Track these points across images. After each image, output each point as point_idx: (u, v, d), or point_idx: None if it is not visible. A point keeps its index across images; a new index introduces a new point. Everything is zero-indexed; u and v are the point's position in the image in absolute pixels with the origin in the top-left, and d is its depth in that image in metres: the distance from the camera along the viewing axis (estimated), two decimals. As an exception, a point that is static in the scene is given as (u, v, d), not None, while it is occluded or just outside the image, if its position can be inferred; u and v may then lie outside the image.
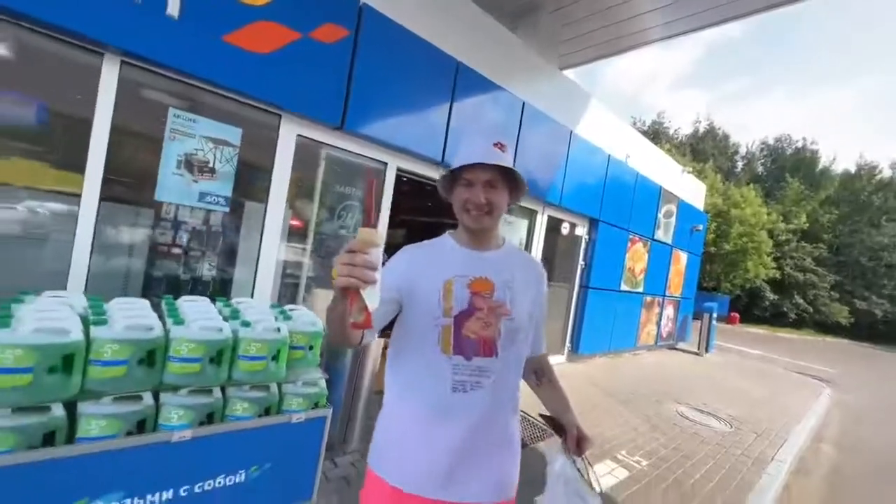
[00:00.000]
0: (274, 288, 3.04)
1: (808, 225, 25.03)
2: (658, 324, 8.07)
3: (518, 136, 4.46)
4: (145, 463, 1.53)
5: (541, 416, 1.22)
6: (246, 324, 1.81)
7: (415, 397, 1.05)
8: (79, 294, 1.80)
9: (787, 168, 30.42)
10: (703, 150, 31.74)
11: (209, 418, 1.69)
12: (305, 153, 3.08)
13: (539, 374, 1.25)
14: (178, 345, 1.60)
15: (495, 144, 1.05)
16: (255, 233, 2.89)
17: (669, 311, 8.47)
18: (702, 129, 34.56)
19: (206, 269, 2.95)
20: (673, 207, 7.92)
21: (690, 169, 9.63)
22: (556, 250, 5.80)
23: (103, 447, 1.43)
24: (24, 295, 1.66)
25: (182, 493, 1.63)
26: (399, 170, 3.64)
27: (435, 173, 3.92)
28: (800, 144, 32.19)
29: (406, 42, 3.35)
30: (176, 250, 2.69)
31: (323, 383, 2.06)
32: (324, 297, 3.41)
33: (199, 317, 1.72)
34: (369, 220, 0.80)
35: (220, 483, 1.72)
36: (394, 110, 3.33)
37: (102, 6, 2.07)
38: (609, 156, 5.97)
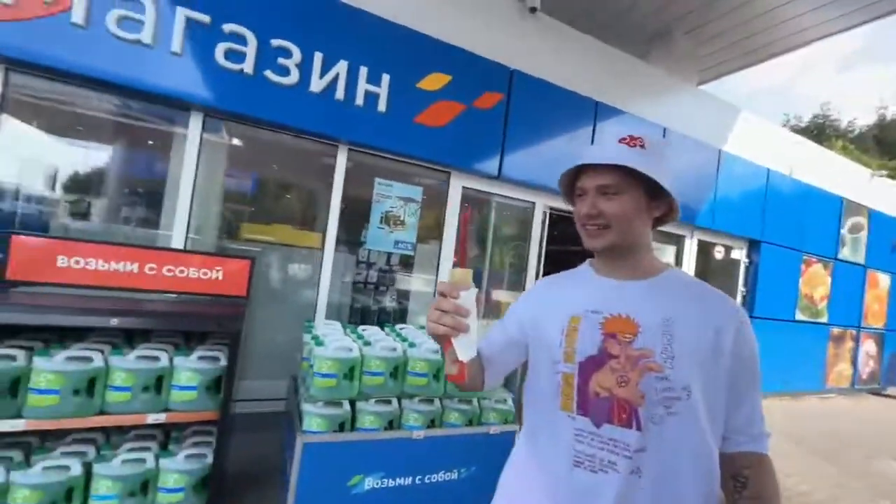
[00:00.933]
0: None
1: None
2: (854, 362, 6.60)
3: (660, 162, 4.40)
4: (396, 453, 2.02)
5: None
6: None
7: (533, 461, 0.86)
8: (335, 323, 2.47)
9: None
10: (889, 140, 25.18)
11: (432, 423, 2.14)
12: (468, 200, 3.62)
13: (740, 481, 0.79)
14: (415, 363, 2.10)
15: (622, 140, 0.81)
16: (432, 269, 3.46)
17: (870, 346, 6.86)
18: (889, 115, 27.58)
19: (393, 302, 3.63)
20: (862, 220, 6.57)
21: (884, 172, 7.88)
22: (709, 278, 5.35)
23: (372, 437, 1.96)
24: (308, 323, 2.39)
25: (417, 481, 2.08)
26: (550, 208, 3.95)
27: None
28: None
29: (549, 94, 3.71)
30: (382, 287, 3.40)
31: (511, 402, 2.39)
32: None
33: (425, 340, 2.22)
34: (461, 259, 0.87)
35: (441, 478, 2.13)
36: (540, 155, 3.68)
37: (335, 112, 2.89)
38: (768, 170, 5.37)
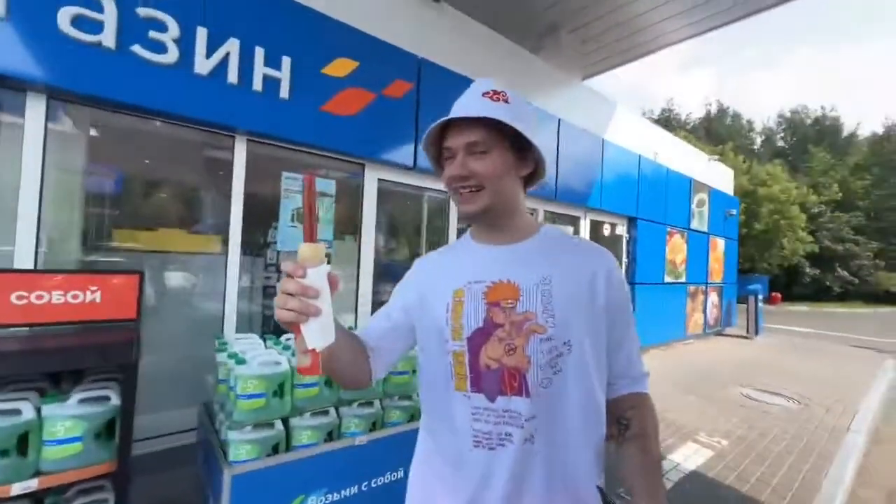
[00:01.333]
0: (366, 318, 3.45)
1: (840, 194, 24.31)
2: (704, 311, 8.15)
3: (557, 151, 4.80)
4: (338, 464, 1.91)
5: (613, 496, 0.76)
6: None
7: (435, 451, 0.82)
8: (250, 335, 2.21)
9: (810, 139, 29.74)
10: (717, 131, 31.35)
11: (373, 426, 2.07)
12: (383, 193, 3.52)
13: (622, 423, 0.81)
14: (350, 367, 1.99)
15: (486, 94, 0.76)
16: (352, 269, 3.31)
17: (713, 297, 8.54)
18: (714, 111, 34.20)
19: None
20: (705, 196, 8.07)
21: (717, 157, 9.75)
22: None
23: (312, 452, 1.82)
24: (219, 340, 2.09)
25: (364, 487, 1.99)
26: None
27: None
28: (819, 113, 31.47)
29: (456, 84, 3.76)
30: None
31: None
32: None
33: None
34: (308, 232, 0.60)
35: (387, 479, 2.08)
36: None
37: (230, 100, 2.55)
38: (640, 156, 6.24)
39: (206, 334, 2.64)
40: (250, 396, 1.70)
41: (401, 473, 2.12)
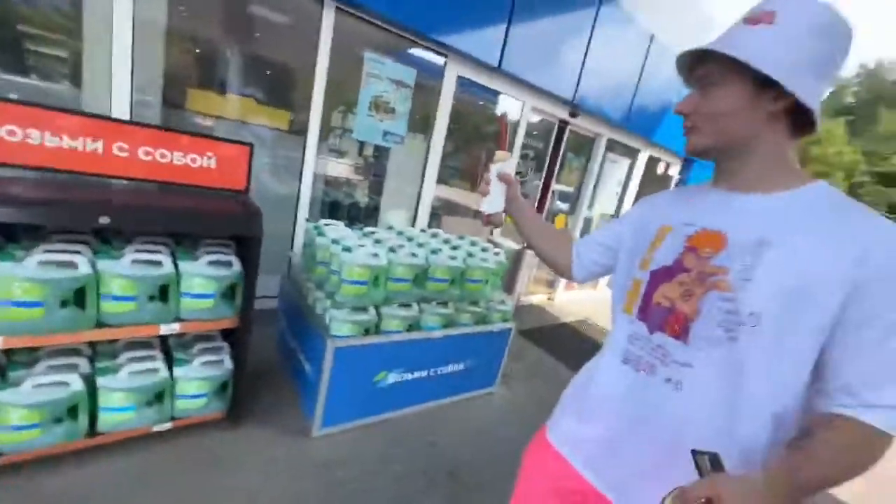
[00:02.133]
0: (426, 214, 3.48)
1: None
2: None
3: (641, 74, 4.36)
4: (416, 351, 2.12)
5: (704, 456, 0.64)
6: (471, 254, 2.27)
7: (602, 354, 0.90)
8: (337, 223, 2.27)
9: (885, 98, 26.76)
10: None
11: (447, 324, 2.24)
12: (459, 96, 3.29)
13: (799, 435, 0.68)
14: (435, 270, 2.08)
15: (750, 19, 0.68)
16: (419, 168, 3.24)
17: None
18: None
19: (364, 198, 3.42)
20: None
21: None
22: (648, 191, 5.90)
23: (398, 339, 2.00)
24: (314, 225, 2.16)
25: (432, 373, 2.24)
26: (533, 108, 3.78)
27: (563, 111, 4.03)
28: (905, 69, 27.87)
29: (558, -28, 3.25)
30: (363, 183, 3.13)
31: (509, 303, 2.57)
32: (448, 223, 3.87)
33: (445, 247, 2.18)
34: (502, 146, 1.02)
35: (450, 370, 2.32)
36: (541, 52, 3.37)
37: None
38: (718, 92, 5.70)
39: (280, 212, 2.70)
40: (354, 282, 1.81)
41: (461, 366, 2.37)
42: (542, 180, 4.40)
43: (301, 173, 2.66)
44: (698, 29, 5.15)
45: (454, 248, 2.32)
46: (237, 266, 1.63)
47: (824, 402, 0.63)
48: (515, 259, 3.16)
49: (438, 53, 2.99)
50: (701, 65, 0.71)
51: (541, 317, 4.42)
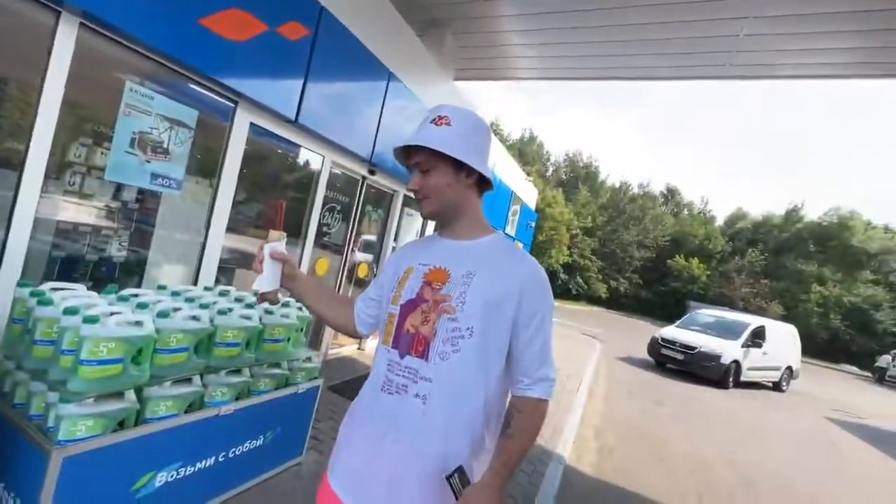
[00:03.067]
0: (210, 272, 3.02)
1: (591, 224, 33.25)
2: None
3: (426, 142, 5.12)
4: (196, 436, 1.74)
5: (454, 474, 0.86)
6: (268, 312, 2.08)
7: (359, 399, 1.03)
8: (75, 286, 1.73)
9: (580, 177, 39.33)
10: (527, 153, 38.03)
11: (239, 395, 1.95)
12: (254, 142, 3.11)
13: (507, 423, 0.95)
14: (225, 333, 1.82)
15: (434, 120, 0.94)
16: (201, 216, 2.83)
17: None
18: (527, 136, 41.24)
19: (122, 252, 2.75)
20: (518, 208, 9.88)
21: (532, 178, 11.99)
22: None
23: (170, 424, 1.62)
24: (29, 287, 1.58)
25: (221, 458, 1.88)
26: (333, 163, 3.90)
27: (362, 168, 4.29)
28: (588, 160, 41.95)
29: (352, 47, 3.59)
30: (120, 233, 2.48)
31: (316, 359, 2.45)
32: (241, 276, 3.49)
33: (236, 308, 1.94)
34: (276, 225, 1.10)
35: (248, 447, 2.00)
36: (337, 109, 3.57)
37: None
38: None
39: (-37, 274, 1.87)
40: (101, 363, 1.40)
41: (260, 440, 2.08)
42: (348, 231, 4.51)
43: (10, 220, 1.94)
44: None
45: (249, 306, 2.09)
46: None
47: (514, 387, 0.95)
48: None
49: (228, 98, 2.80)
50: (415, 153, 0.96)
51: (352, 367, 4.34)
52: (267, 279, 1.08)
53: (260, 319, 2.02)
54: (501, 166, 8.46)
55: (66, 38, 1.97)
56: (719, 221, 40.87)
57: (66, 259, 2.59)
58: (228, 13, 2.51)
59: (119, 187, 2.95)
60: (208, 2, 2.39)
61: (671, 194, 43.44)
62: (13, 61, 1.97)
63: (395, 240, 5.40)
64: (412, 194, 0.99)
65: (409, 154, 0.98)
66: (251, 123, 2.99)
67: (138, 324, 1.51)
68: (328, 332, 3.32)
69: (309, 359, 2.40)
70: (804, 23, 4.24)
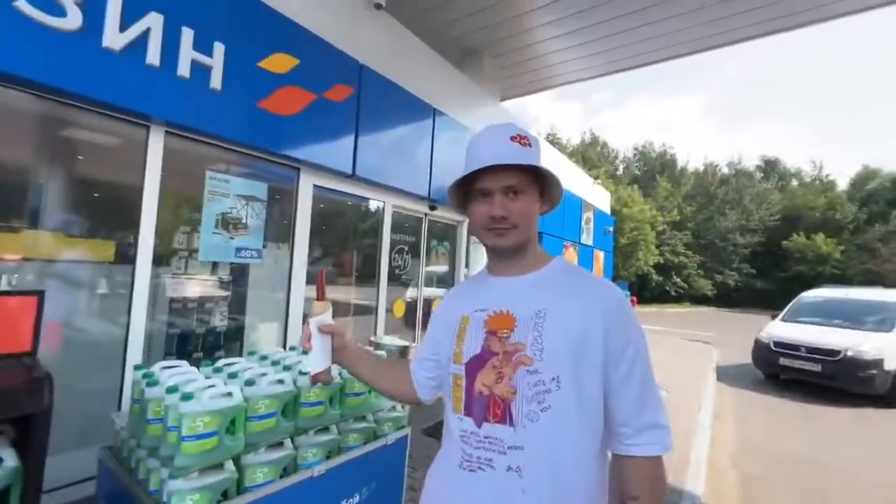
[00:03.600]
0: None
1: (678, 217, 30.23)
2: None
3: (481, 167, 5.09)
4: (294, 499, 1.76)
5: None
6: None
7: (439, 464, 0.89)
8: (179, 362, 1.90)
9: (656, 169, 36.33)
10: (590, 157, 36.38)
11: (330, 453, 1.95)
12: (320, 201, 3.32)
13: (624, 496, 0.78)
14: (308, 393, 1.86)
15: (513, 138, 0.81)
16: (284, 278, 3.04)
17: (595, 302, 9.86)
18: (588, 139, 39.60)
19: (224, 322, 3.02)
20: (591, 215, 9.31)
21: (600, 180, 11.34)
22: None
23: (270, 491, 1.65)
24: (142, 370, 1.76)
25: (320, 520, 1.86)
26: (394, 206, 4.02)
27: (423, 206, 4.36)
28: (661, 149, 38.74)
29: (394, 93, 3.75)
30: (209, 305, 2.76)
31: (401, 407, 2.39)
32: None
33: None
34: (319, 296, 0.98)
35: (344, 507, 1.98)
36: (390, 155, 3.70)
37: (147, 81, 2.15)
38: (544, 176, 6.96)
39: (98, 361, 2.17)
40: (199, 437, 1.48)
41: (356, 499, 2.04)
42: (420, 268, 4.56)
43: (130, 308, 2.24)
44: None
45: (329, 361, 2.13)
46: (11, 461, 1.19)
47: (614, 443, 0.78)
48: (402, 355, 3.05)
49: (290, 168, 3.04)
50: (502, 174, 0.80)
51: (442, 407, 4.25)
52: (318, 357, 0.99)
53: (340, 374, 2.04)
54: (564, 174, 8.11)
55: (156, 145, 2.30)
56: (842, 186, 34.57)
57: (180, 335, 2.92)
58: (281, 91, 2.75)
59: (214, 265, 3.30)
60: (263, 86, 2.65)
61: (770, 167, 38.04)
62: (117, 169, 2.33)
63: (467, 267, 5.33)
64: (485, 223, 0.82)
65: (485, 177, 0.81)
66: (314, 185, 3.20)
67: (229, 395, 1.58)
68: (412, 375, 3.33)
69: (393, 408, 2.35)
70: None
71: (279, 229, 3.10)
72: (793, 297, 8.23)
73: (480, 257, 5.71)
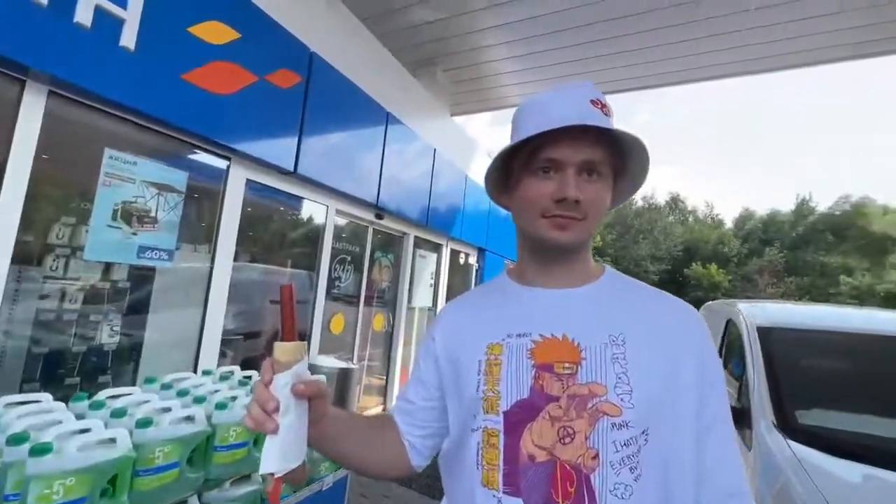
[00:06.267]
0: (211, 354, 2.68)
1: (601, 243, 32.83)
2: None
3: (431, 179, 4.92)
4: (198, 578, 1.34)
5: None
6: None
7: None
8: (39, 396, 1.40)
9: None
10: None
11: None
12: (253, 199, 2.87)
13: None
14: (225, 434, 1.46)
15: (595, 102, 0.59)
16: (200, 287, 2.53)
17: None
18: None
19: (113, 337, 2.44)
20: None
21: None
22: (454, 279, 6.43)
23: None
24: None
25: None
26: (338, 212, 3.66)
27: (369, 214, 4.05)
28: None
29: (346, 90, 3.44)
30: (111, 317, 2.18)
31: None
32: (248, 348, 3.14)
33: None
34: (286, 329, 0.55)
35: (266, 577, 1.57)
36: (336, 156, 3.36)
37: (30, 23, 1.66)
38: (490, 195, 6.99)
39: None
40: (59, 508, 1.03)
41: (282, 564, 1.65)
42: (361, 280, 4.20)
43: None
44: (465, 148, 6.34)
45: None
46: None
47: None
48: (342, 381, 2.64)
49: (220, 156, 2.58)
50: (581, 144, 0.58)
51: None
52: (288, 443, 0.52)
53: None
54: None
55: (33, 106, 1.76)
56: (728, 224, 40.25)
57: (49, 356, 2.28)
58: (215, 66, 2.34)
59: (108, 267, 2.67)
60: (192, 56, 2.22)
61: (675, 203, 43.15)
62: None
63: (411, 283, 5.06)
64: (548, 206, 0.59)
65: (556, 146, 0.58)
66: (248, 180, 2.76)
67: (109, 442, 1.15)
68: (352, 404, 2.91)
69: (332, 443, 2.00)
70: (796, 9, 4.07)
71: (199, 229, 2.60)
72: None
73: (424, 272, 5.47)
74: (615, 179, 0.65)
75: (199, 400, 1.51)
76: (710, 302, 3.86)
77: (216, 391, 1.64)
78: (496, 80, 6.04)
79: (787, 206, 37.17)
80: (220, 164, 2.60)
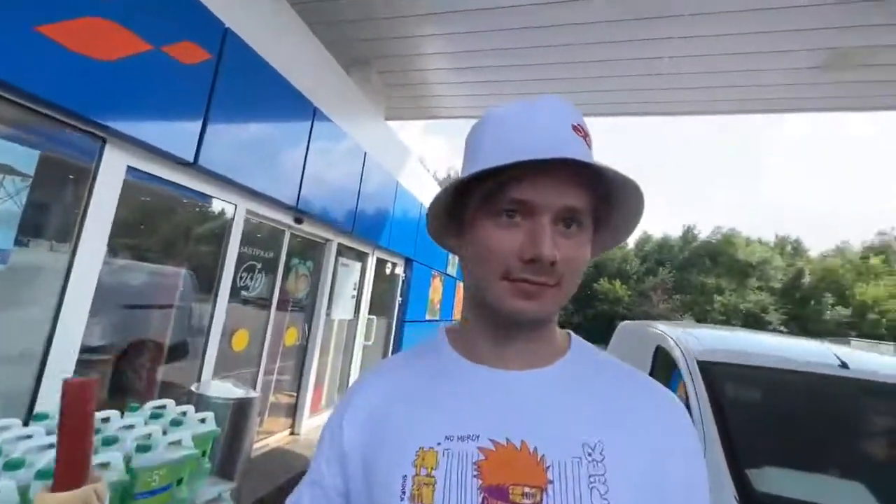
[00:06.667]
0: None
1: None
2: (447, 344, 9.50)
3: (360, 183, 4.63)
4: None
5: None
6: (146, 448, 1.35)
7: None
8: None
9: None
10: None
11: None
12: (134, 192, 2.36)
13: None
14: (148, 478, 1.08)
15: (576, 128, 0.47)
16: (51, 298, 1.99)
17: (453, 332, 10.11)
18: (453, 174, 42.71)
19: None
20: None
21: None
22: (379, 290, 6.14)
23: None
24: None
25: None
26: (248, 212, 3.21)
27: (287, 217, 3.65)
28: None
29: (266, 76, 3.06)
30: None
31: (227, 495, 1.70)
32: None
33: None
34: (61, 472, 0.44)
35: None
36: (248, 150, 2.96)
37: None
38: (421, 203, 6.85)
39: None
40: None
41: None
42: (273, 290, 3.74)
43: None
44: (397, 153, 6.15)
45: (113, 440, 1.34)
46: None
47: None
48: (237, 415, 2.21)
49: (90, 134, 2.07)
50: (547, 186, 0.44)
51: (283, 464, 3.46)
52: None
53: (128, 463, 1.29)
54: (429, 200, 8.21)
55: None
56: (630, 245, 45.11)
57: None
58: (87, 22, 1.87)
59: None
60: (53, 5, 1.75)
61: (588, 223, 47.15)
62: None
63: (331, 294, 4.69)
64: (527, 270, 0.45)
65: (525, 185, 0.45)
66: (129, 167, 2.26)
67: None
68: (251, 433, 2.48)
69: (220, 497, 1.65)
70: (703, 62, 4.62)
71: (58, 223, 2.06)
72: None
73: (347, 283, 5.13)
74: (597, 226, 0.52)
75: (15, 465, 1.10)
76: (626, 322, 3.91)
77: (50, 445, 1.23)
78: (434, 90, 5.97)
79: (677, 232, 42.69)
80: (92, 145, 2.09)
